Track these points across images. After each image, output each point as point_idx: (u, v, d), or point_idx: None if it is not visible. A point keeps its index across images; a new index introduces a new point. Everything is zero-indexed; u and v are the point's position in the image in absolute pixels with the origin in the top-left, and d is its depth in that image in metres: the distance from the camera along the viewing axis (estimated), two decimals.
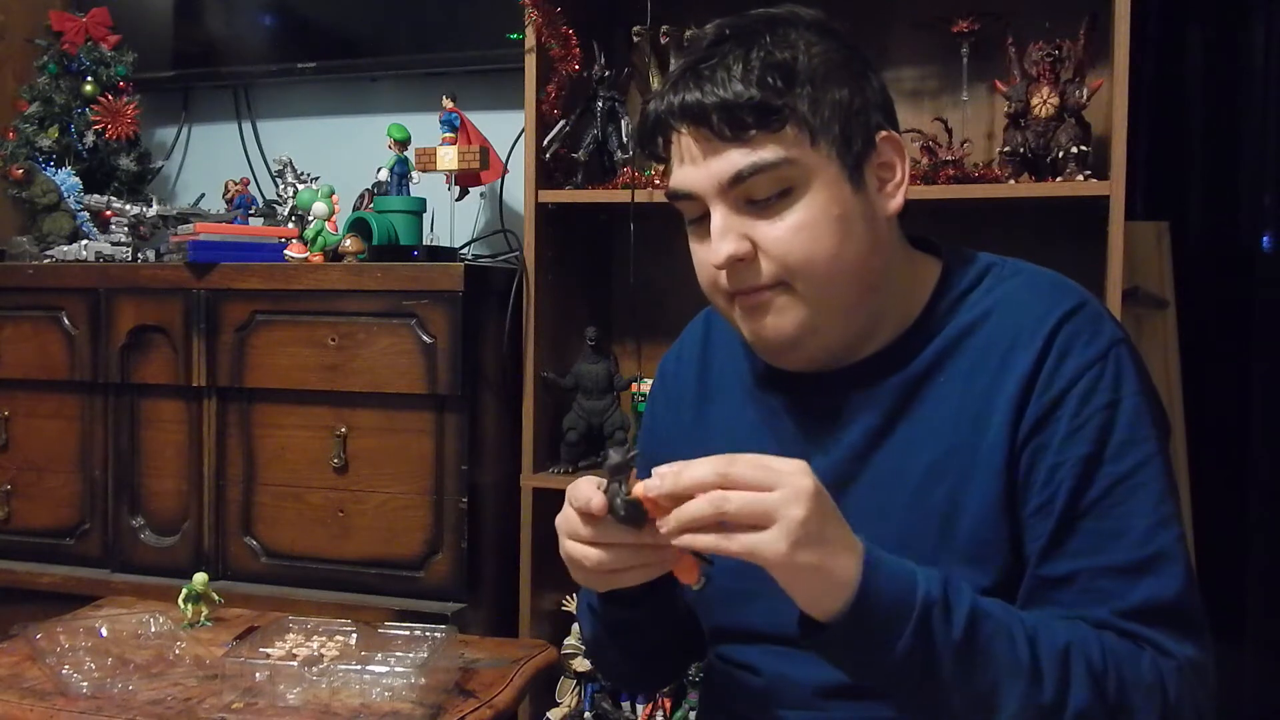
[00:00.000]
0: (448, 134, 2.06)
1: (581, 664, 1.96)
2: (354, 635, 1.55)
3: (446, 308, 1.87)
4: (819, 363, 1.05)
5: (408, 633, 1.56)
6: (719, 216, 0.99)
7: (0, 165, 2.38)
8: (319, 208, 2.08)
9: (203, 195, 2.50)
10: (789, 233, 0.97)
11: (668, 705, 1.94)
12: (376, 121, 2.28)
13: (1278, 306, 2.41)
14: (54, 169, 2.34)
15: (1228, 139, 2.45)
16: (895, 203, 1.03)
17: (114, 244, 2.19)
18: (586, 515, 0.89)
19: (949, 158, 1.81)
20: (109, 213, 2.25)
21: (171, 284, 2.03)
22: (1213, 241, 2.45)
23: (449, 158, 2.02)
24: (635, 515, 0.86)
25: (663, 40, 1.90)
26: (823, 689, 1.03)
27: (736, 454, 0.85)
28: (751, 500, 0.82)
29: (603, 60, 2.00)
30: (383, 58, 2.38)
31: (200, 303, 2.01)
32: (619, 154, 1.98)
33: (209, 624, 1.71)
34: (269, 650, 1.48)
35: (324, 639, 1.53)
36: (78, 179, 2.35)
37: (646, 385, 1.97)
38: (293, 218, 2.17)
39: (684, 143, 1.00)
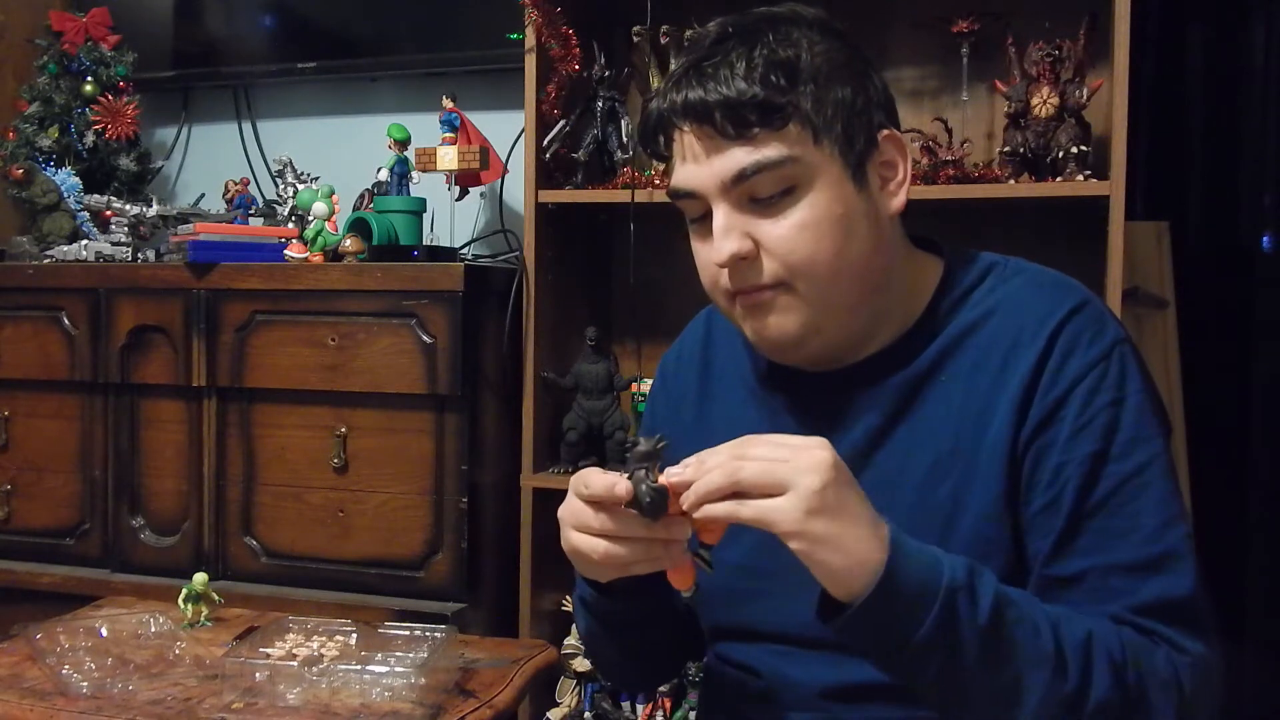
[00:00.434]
0: (448, 134, 2.06)
1: (581, 664, 1.96)
2: (354, 635, 1.55)
3: (446, 308, 1.87)
4: (821, 361, 1.05)
5: (408, 633, 1.56)
6: (721, 215, 0.98)
7: (0, 165, 2.38)
8: (319, 208, 2.08)
9: (203, 195, 2.50)
10: (792, 231, 0.97)
11: (668, 705, 1.94)
12: (376, 121, 2.28)
13: (1278, 306, 2.41)
14: (54, 169, 2.34)
15: (1228, 139, 2.45)
16: (897, 201, 1.03)
17: (114, 244, 2.19)
18: (598, 504, 0.89)
19: (949, 158, 1.81)
20: (109, 213, 2.25)
21: (171, 284, 2.03)
22: (1213, 241, 2.45)
23: (449, 158, 2.02)
24: (659, 504, 0.86)
25: (663, 40, 1.90)
26: (825, 690, 1.02)
27: (755, 434, 0.85)
28: (767, 468, 0.84)
29: (603, 60, 2.00)
30: (383, 58, 2.38)
31: (200, 303, 2.01)
32: (619, 154, 1.98)
33: (209, 624, 1.71)
34: (269, 650, 1.48)
35: (324, 639, 1.53)
36: (78, 179, 2.34)
37: (646, 385, 1.97)
38: (293, 218, 2.17)
39: (686, 141, 0.99)
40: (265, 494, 2.01)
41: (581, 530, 0.91)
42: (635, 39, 1.96)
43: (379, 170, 2.15)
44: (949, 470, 1.00)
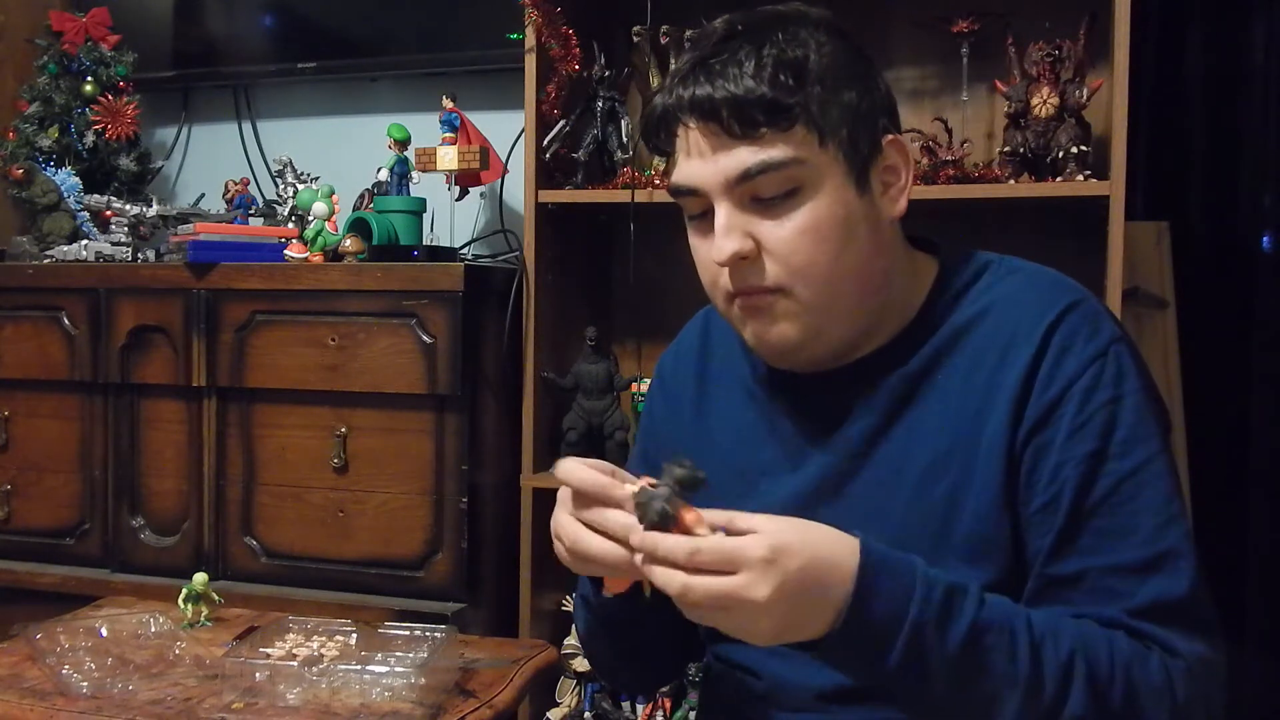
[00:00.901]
0: (448, 134, 2.06)
1: (581, 664, 1.96)
2: (354, 635, 1.55)
3: (446, 308, 1.87)
4: (820, 363, 1.05)
5: (408, 633, 1.56)
6: (724, 213, 0.98)
7: (0, 165, 2.38)
8: (319, 208, 2.08)
9: (203, 195, 2.50)
10: (794, 234, 0.97)
11: (668, 705, 1.94)
12: (376, 121, 2.28)
13: (1278, 306, 2.40)
14: (54, 169, 2.34)
15: (1228, 139, 2.45)
16: (898, 207, 1.03)
17: (114, 244, 2.19)
18: (582, 498, 0.89)
19: (949, 158, 1.81)
20: (109, 213, 2.25)
21: (171, 284, 2.03)
22: (1213, 241, 2.44)
23: (449, 158, 2.02)
24: (661, 527, 0.84)
25: (663, 40, 1.90)
26: (824, 692, 1.02)
27: (703, 544, 0.82)
28: (720, 620, 0.84)
29: (603, 60, 2.00)
30: (383, 58, 2.38)
31: (200, 303, 2.01)
32: (619, 154, 1.98)
33: (209, 624, 1.71)
34: (269, 650, 1.48)
35: (324, 639, 1.53)
36: (78, 179, 2.35)
37: (646, 385, 1.97)
38: (293, 218, 2.17)
39: (691, 138, 0.98)
40: (265, 494, 2.01)
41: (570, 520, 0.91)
42: (635, 39, 1.96)
43: (379, 170, 2.15)
44: (946, 469, 1.00)
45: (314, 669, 1.42)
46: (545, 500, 1.94)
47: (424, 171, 2.06)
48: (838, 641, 0.86)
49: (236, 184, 2.35)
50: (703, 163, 0.98)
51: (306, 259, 2.03)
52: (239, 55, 2.49)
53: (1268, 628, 2.39)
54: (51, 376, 2.12)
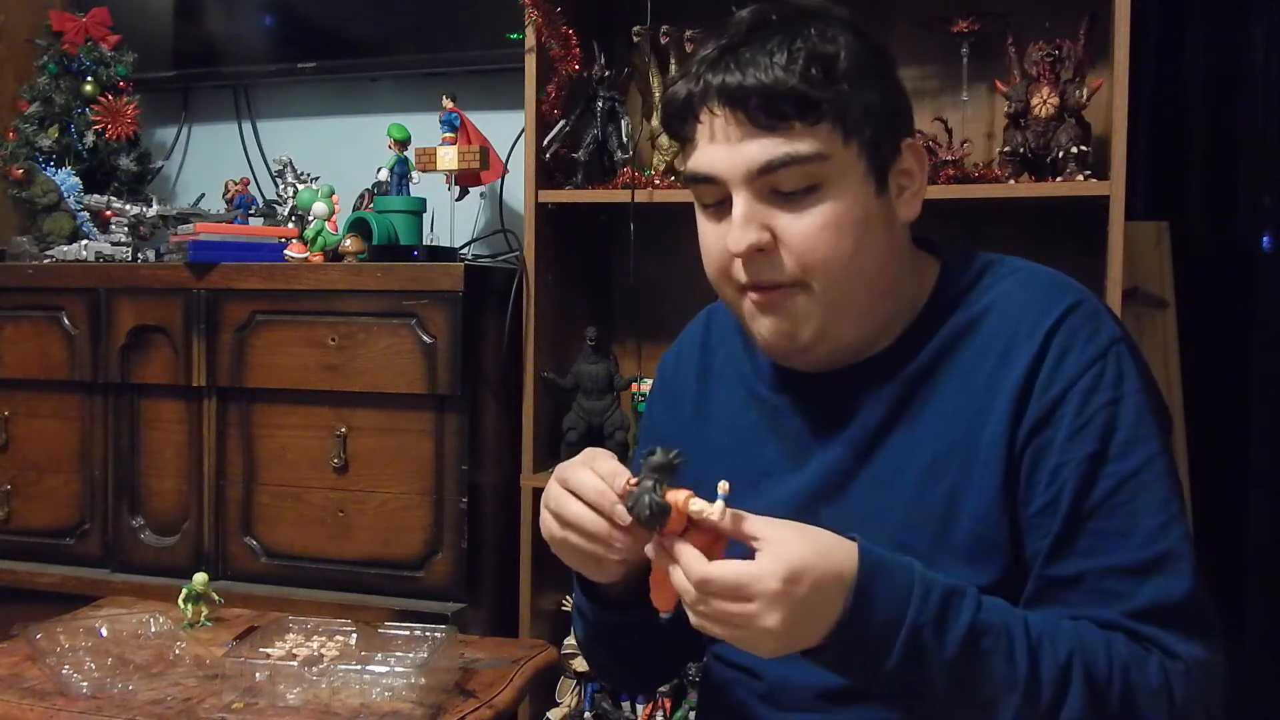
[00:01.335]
0: (448, 134, 2.06)
1: (581, 664, 1.96)
2: (354, 635, 1.55)
3: (446, 308, 1.87)
4: (825, 364, 1.05)
5: (408, 633, 1.56)
6: (742, 204, 0.97)
7: (0, 165, 2.38)
8: (319, 208, 2.08)
9: (203, 195, 2.50)
10: (812, 229, 0.96)
11: (668, 705, 1.94)
12: (376, 121, 2.27)
13: (1278, 306, 2.40)
14: (54, 169, 2.34)
15: (1228, 139, 2.45)
16: (913, 210, 1.03)
17: (114, 244, 2.19)
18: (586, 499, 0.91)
19: (949, 158, 1.81)
20: (109, 213, 2.25)
21: (171, 284, 2.03)
22: (1213, 241, 2.44)
23: (449, 158, 2.02)
24: (656, 520, 0.86)
25: (663, 40, 1.90)
26: (824, 692, 1.02)
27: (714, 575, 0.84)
28: (730, 635, 0.85)
29: (603, 60, 2.00)
30: (383, 58, 2.38)
31: (200, 303, 2.01)
32: (619, 154, 1.98)
33: (209, 624, 1.71)
34: (269, 650, 1.48)
35: (324, 639, 1.53)
36: (78, 179, 2.35)
37: (646, 385, 1.97)
38: (293, 218, 2.17)
39: (715, 124, 0.97)
40: (265, 494, 2.01)
41: (558, 519, 0.94)
42: (635, 39, 1.96)
43: (379, 170, 2.15)
44: (946, 470, 1.00)
45: (314, 669, 1.42)
46: None
47: (424, 171, 2.06)
48: (837, 646, 0.86)
49: (236, 184, 2.35)
50: (725, 151, 0.97)
51: (306, 259, 2.03)
52: (239, 55, 2.49)
53: (1268, 628, 2.39)
54: (51, 376, 2.12)
